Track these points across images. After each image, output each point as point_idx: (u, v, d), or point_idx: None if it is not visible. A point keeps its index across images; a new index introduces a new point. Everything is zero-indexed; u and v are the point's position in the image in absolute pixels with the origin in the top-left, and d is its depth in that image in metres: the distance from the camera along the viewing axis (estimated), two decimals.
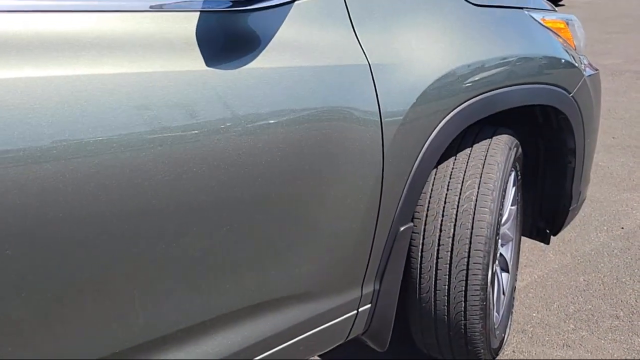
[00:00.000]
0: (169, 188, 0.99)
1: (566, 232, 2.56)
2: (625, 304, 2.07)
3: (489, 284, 1.55)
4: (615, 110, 4.50)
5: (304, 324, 1.30)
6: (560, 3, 13.06)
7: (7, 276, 0.87)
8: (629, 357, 1.79)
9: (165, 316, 1.06)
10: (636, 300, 2.09)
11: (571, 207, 1.98)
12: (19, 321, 0.90)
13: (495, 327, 1.72)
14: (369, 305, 1.43)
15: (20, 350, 0.92)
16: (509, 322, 1.88)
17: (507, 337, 1.84)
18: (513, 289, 1.95)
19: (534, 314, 2.03)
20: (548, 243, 2.10)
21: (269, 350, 1.26)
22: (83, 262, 0.93)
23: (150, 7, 1.08)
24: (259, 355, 1.24)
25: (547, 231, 2.07)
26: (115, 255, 0.96)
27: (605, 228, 2.63)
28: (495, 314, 1.75)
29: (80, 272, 0.93)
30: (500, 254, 1.84)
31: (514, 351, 1.84)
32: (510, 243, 1.93)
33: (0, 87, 0.84)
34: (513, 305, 1.95)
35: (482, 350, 1.62)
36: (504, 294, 1.87)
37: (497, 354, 1.77)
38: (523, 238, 2.11)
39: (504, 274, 1.89)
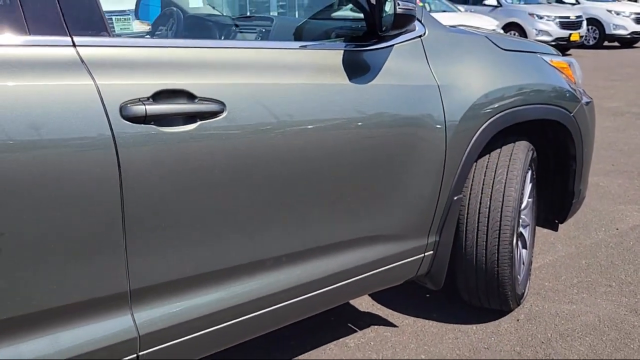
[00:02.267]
0: (325, 160, 1.67)
1: (571, 231, 3.19)
2: (617, 278, 2.69)
3: (514, 242, 2.19)
4: (616, 144, 5.16)
5: (389, 257, 1.94)
6: (568, 53, 13.91)
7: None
8: (618, 310, 2.40)
9: (310, 233, 1.72)
10: (625, 276, 2.70)
11: (574, 201, 2.62)
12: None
13: (518, 282, 2.35)
14: (431, 252, 2.08)
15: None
16: (528, 284, 2.50)
17: (526, 294, 2.47)
18: (530, 262, 2.58)
19: (546, 284, 2.65)
20: (557, 230, 2.74)
21: (363, 274, 1.89)
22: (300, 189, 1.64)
23: (300, 46, 1.81)
24: (357, 276, 1.87)
25: (556, 221, 2.71)
26: (301, 192, 1.65)
27: (603, 229, 3.26)
28: (517, 275, 2.38)
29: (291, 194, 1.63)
30: (521, 234, 2.47)
31: (531, 305, 2.46)
32: (528, 227, 2.56)
33: (250, 87, 1.54)
34: (530, 274, 2.57)
35: (509, 293, 2.24)
36: (523, 264, 2.50)
37: (519, 303, 2.39)
38: (538, 231, 2.73)
39: (524, 250, 2.52)
